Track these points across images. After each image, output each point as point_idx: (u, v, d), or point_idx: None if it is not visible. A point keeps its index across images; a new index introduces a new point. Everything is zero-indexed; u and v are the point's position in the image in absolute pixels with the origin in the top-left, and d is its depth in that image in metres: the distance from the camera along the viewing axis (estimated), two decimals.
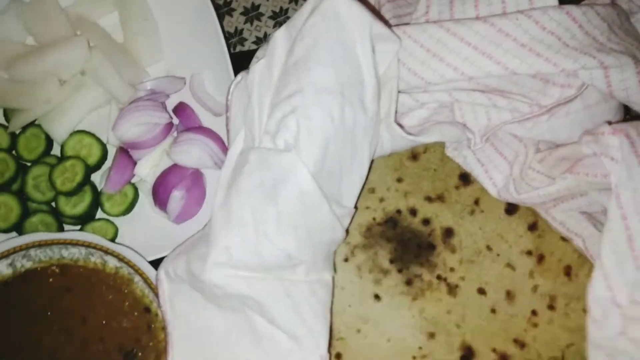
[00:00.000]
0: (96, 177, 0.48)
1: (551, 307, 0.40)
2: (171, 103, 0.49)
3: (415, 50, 0.41)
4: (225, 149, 0.47)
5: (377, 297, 0.42)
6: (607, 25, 0.41)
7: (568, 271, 0.40)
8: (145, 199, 0.48)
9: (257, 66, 0.39)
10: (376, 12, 0.46)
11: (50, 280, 0.43)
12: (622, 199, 0.34)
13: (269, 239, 0.37)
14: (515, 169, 0.41)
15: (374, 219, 0.45)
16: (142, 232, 0.46)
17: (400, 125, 0.40)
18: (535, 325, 0.40)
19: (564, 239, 0.41)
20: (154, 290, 0.41)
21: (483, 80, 0.40)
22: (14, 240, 0.43)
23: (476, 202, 0.44)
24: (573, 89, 0.39)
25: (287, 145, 0.36)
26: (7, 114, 0.49)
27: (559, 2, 0.41)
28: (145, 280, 0.41)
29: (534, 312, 0.40)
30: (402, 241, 0.44)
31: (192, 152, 0.45)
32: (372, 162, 0.42)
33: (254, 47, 0.55)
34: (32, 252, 0.43)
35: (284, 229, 0.37)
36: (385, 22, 0.42)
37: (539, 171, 0.41)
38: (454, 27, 0.40)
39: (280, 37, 0.39)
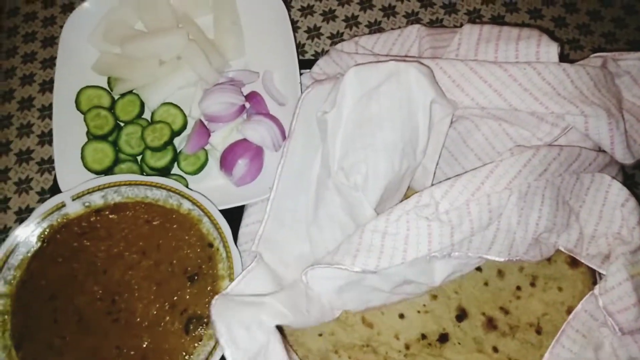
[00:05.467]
0: (176, 142, 0.63)
1: (532, 284, 0.55)
2: (245, 91, 0.65)
3: (443, 79, 0.57)
4: (284, 136, 0.62)
5: None
6: (593, 83, 0.56)
7: (549, 257, 0.55)
8: (213, 164, 0.63)
9: (329, 116, 0.54)
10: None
11: (134, 212, 0.57)
12: None
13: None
14: None
15: None
16: (206, 189, 0.61)
17: None
18: (518, 297, 0.55)
19: None
20: (218, 231, 0.55)
21: (492, 111, 0.56)
22: (109, 178, 0.58)
23: None
24: (559, 128, 0.55)
25: (357, 185, 0.53)
26: (110, 82, 0.65)
27: (559, 60, 0.57)
28: (212, 221, 0.56)
29: (518, 287, 0.55)
30: None
31: (260, 131, 0.61)
32: None
33: (312, 58, 0.72)
34: (122, 189, 0.57)
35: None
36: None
37: None
38: (476, 66, 0.56)
39: (349, 82, 0.54)
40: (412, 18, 0.76)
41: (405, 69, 0.53)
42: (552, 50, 0.57)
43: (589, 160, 0.55)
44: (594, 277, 0.55)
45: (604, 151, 0.56)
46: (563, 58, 0.57)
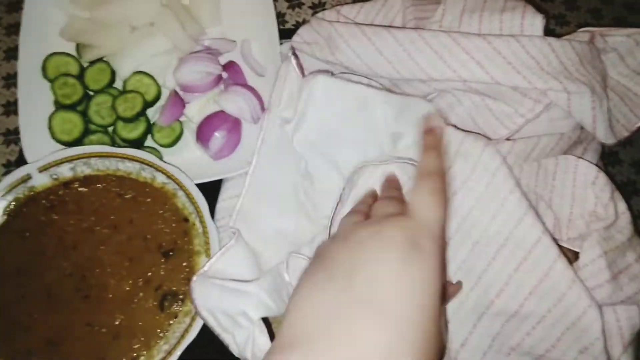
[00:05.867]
0: (150, 114, 0.61)
1: None
2: (222, 60, 0.63)
3: (425, 50, 0.55)
4: (263, 108, 0.60)
5: None
6: (578, 58, 0.55)
7: None
8: (189, 136, 0.61)
9: (290, 127, 0.54)
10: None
11: (105, 185, 0.55)
12: None
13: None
14: None
15: None
16: (182, 162, 0.59)
17: None
18: None
19: None
20: (194, 205, 0.54)
21: (473, 85, 0.55)
22: (78, 149, 0.56)
23: None
24: (542, 104, 0.54)
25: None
26: (79, 49, 0.62)
27: (543, 34, 0.56)
28: (187, 195, 0.54)
29: None
30: None
31: (238, 102, 0.59)
32: None
33: (293, 27, 0.70)
34: (92, 161, 0.55)
35: None
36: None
37: None
38: (459, 38, 0.55)
39: (313, 97, 0.53)
40: None
41: (373, 98, 0.53)
42: (536, 22, 0.56)
43: (550, 145, 0.54)
44: (575, 258, 0.55)
45: (582, 129, 0.56)
46: (549, 33, 0.56)
